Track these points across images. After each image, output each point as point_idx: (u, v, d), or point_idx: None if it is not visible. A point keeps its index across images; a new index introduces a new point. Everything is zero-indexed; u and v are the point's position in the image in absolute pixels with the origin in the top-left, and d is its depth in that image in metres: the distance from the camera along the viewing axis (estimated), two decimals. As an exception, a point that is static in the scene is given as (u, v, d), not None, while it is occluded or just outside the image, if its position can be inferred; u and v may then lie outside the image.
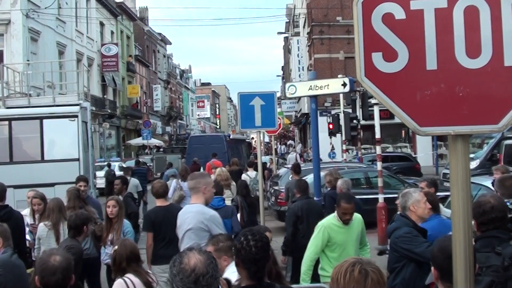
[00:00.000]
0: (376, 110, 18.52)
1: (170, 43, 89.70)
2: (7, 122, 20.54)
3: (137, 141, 57.96)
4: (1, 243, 6.25)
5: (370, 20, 3.28)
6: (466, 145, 3.21)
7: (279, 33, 68.41)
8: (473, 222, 5.15)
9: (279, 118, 18.82)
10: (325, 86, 15.05)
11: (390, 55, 3.27)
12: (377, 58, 3.28)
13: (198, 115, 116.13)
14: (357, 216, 8.15)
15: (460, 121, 3.18)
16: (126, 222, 9.97)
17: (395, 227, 6.74)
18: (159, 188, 9.88)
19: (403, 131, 47.84)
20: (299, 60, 55.40)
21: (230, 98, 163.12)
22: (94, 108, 37.65)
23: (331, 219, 8.07)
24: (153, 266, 9.19)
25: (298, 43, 56.34)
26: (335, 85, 15.21)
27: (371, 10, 3.28)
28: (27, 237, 9.34)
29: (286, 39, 79.60)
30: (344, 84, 15.00)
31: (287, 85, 15.68)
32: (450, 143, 3.23)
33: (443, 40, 3.18)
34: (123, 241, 6.38)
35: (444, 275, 3.98)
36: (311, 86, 14.96)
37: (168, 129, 79.45)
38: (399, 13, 3.24)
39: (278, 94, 57.34)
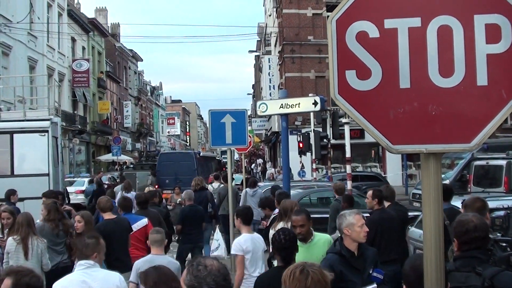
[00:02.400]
0: (346, 129, 18.68)
1: (142, 60, 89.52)
2: (-23, 136, 20.37)
3: (107, 157, 57.56)
4: None
5: (344, 38, 3.32)
6: (438, 163, 3.25)
7: (251, 51, 68.72)
8: (454, 241, 5.20)
9: (249, 136, 18.87)
10: (296, 104, 15.10)
11: (364, 73, 3.31)
12: (350, 76, 3.32)
13: (168, 132, 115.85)
14: (324, 237, 7.69)
15: (433, 140, 3.22)
16: None
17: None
18: (106, 203, 10.49)
19: (373, 151, 48.17)
20: (270, 79, 55.52)
21: (201, 116, 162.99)
22: (64, 124, 37.39)
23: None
24: None
25: (269, 62, 56.50)
26: (306, 104, 15.28)
27: (346, 28, 3.32)
28: None
29: (257, 57, 79.85)
30: (315, 103, 15.06)
31: (258, 103, 15.72)
32: (423, 162, 3.27)
33: (416, 59, 3.22)
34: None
35: (414, 293, 4.00)
36: (282, 104, 15.01)
37: (138, 145, 79.06)
38: (373, 32, 3.28)
39: (249, 113, 57.63)
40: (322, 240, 7.53)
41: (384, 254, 8.68)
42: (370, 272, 6.26)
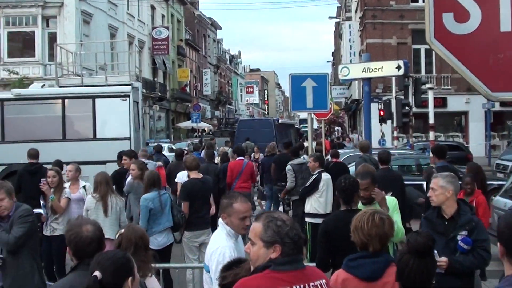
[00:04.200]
0: (430, 95, 18.13)
1: (221, 28, 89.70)
2: (60, 101, 20.88)
3: (186, 124, 58.16)
4: (6, 198, 6.65)
5: (441, -22, 3.12)
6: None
7: (330, 17, 67.98)
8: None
9: (329, 103, 18.58)
10: (379, 68, 14.82)
11: (462, 15, 3.11)
12: (447, 18, 3.13)
13: (247, 100, 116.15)
14: (388, 199, 7.52)
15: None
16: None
17: None
18: (192, 162, 10.72)
19: (455, 120, 47.06)
20: (350, 45, 54.69)
21: (279, 84, 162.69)
22: (144, 91, 37.92)
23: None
24: (186, 232, 10.21)
25: (350, 28, 55.62)
26: (389, 68, 14.99)
27: (443, -32, 3.12)
28: (41, 211, 9.39)
29: (337, 24, 78.84)
30: (399, 67, 14.76)
31: (340, 66, 15.48)
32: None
33: (520, -2, 3.00)
34: (131, 225, 5.83)
35: (510, 251, 3.81)
36: (364, 68, 14.76)
37: (217, 113, 79.59)
38: (473, -29, 3.07)
39: (329, 80, 56.89)
40: (388, 200, 7.45)
41: None
42: (458, 238, 6.06)
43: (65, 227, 9.75)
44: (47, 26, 36.90)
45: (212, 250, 5.24)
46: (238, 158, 16.09)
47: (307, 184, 12.32)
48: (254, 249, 3.78)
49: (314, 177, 12.20)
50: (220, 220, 5.35)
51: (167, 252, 9.62)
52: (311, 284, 3.69)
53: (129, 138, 20.17)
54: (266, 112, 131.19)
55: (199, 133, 55.35)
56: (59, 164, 12.63)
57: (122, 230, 5.22)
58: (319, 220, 10.90)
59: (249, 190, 15.64)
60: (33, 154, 13.53)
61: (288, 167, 14.16)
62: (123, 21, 46.07)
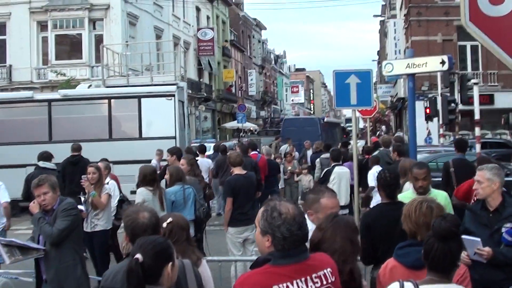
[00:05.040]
0: (475, 90, 17.90)
1: (265, 28, 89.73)
2: (106, 101, 21.17)
3: (232, 124, 58.32)
4: (50, 192, 6.76)
5: (475, -40, 3.09)
6: None
7: (375, 15, 67.45)
8: None
9: (374, 101, 18.46)
10: (423, 64, 14.60)
11: (497, -3, 3.07)
12: (482, 1, 3.09)
13: (292, 100, 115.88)
14: (441, 193, 7.55)
15: None
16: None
17: None
18: (236, 158, 10.82)
19: (502, 118, 46.26)
20: (395, 43, 54.24)
21: (325, 84, 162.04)
22: (190, 91, 38.17)
23: (409, 193, 7.69)
24: (230, 228, 10.39)
25: (394, 26, 55.17)
26: (433, 63, 14.74)
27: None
28: (82, 207, 9.52)
29: (382, 22, 78.27)
30: (443, 62, 14.51)
31: (384, 63, 15.32)
32: None
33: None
34: (176, 214, 5.90)
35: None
36: (408, 64, 14.56)
37: (263, 113, 79.65)
38: (508, -49, 3.03)
39: (374, 80, 56.34)
40: (439, 195, 7.30)
41: None
42: (503, 230, 5.97)
43: (106, 222, 9.99)
44: (94, 28, 37.44)
45: None
46: (252, 153, 16.61)
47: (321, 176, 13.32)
48: (256, 232, 3.76)
49: (325, 170, 13.22)
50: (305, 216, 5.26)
51: None
52: (314, 275, 3.61)
53: (174, 137, 20.31)
54: (311, 112, 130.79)
55: (245, 133, 55.48)
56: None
57: (170, 219, 5.23)
58: None
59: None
60: (76, 148, 14.74)
61: (317, 160, 15.76)
62: (169, 22, 46.44)
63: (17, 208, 20.11)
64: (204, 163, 18.89)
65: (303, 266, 3.59)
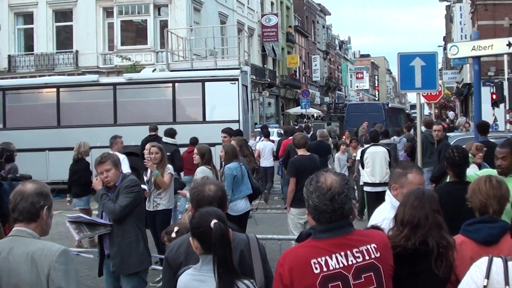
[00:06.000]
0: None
1: (330, 14, 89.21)
2: (171, 85, 21.26)
3: (295, 110, 58.21)
4: (113, 169, 6.86)
5: None
6: None
7: (441, 0, 65.98)
8: None
9: (439, 86, 18.00)
10: (489, 46, 14.27)
11: None
12: None
13: (357, 86, 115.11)
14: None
15: None
16: None
17: None
18: (300, 140, 10.96)
19: None
20: (461, 28, 52.96)
21: (389, 70, 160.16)
22: (254, 77, 38.12)
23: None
24: (292, 208, 10.48)
25: (460, 10, 53.89)
26: (499, 45, 14.42)
27: None
28: (144, 186, 9.48)
29: (448, 7, 76.63)
30: (510, 44, 14.14)
31: (449, 45, 15.01)
32: None
33: None
34: (179, 223, 6.25)
35: None
36: (474, 46, 14.21)
37: (327, 99, 79.24)
38: None
39: (439, 66, 55.10)
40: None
41: None
42: None
43: (168, 202, 10.06)
44: (159, 14, 37.72)
45: (377, 222, 5.00)
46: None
47: None
48: None
49: (361, 149, 14.26)
50: (387, 192, 5.15)
51: (244, 219, 10.03)
52: (355, 250, 3.51)
53: (238, 121, 20.26)
54: (376, 98, 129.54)
55: (308, 119, 55.25)
56: (195, 142, 15.23)
57: (176, 228, 5.50)
58: (367, 188, 13.39)
59: None
60: (152, 128, 16.31)
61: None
62: (233, 8, 46.46)
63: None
64: (268, 146, 19.37)
65: (344, 240, 3.53)
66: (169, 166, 10.18)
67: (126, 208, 6.75)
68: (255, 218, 10.72)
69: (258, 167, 12.48)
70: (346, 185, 3.61)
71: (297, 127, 27.77)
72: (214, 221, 3.70)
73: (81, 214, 7.56)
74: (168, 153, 11.54)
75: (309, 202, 3.57)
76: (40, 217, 3.76)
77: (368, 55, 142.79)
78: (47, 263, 3.57)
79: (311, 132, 24.48)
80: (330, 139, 23.23)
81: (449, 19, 73.37)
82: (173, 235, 5.46)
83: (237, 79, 20.80)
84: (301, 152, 10.84)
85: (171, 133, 15.20)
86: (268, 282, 4.23)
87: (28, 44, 39.77)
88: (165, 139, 14.61)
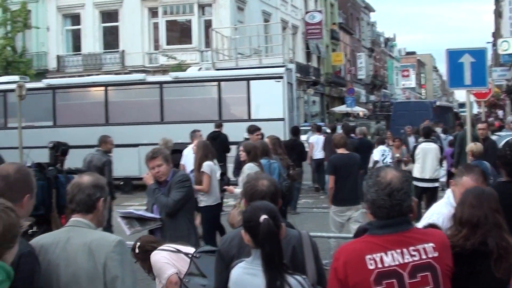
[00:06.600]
0: None
1: (374, 10, 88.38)
2: (216, 83, 21.45)
3: (340, 108, 57.84)
4: (164, 164, 6.96)
5: None
6: None
7: (490, -5, 64.86)
8: None
9: (489, 83, 17.71)
10: (541, 40, 14.04)
11: None
12: None
13: (403, 84, 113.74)
14: None
15: None
16: None
17: None
18: (340, 139, 11.18)
19: None
20: (510, 23, 52.08)
21: (436, 68, 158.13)
22: (298, 75, 38.04)
23: None
24: (333, 206, 10.77)
25: (509, 5, 52.86)
26: (553, 39, 14.16)
27: None
28: None
29: (497, 2, 75.37)
30: None
31: (500, 40, 14.88)
32: None
33: None
34: (139, 238, 6.41)
35: None
36: (525, 40, 14.00)
37: (372, 97, 78.59)
38: None
39: (489, 63, 53.97)
40: None
41: None
42: None
43: (211, 198, 10.13)
44: (203, 14, 37.95)
45: (428, 213, 5.15)
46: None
47: None
48: None
49: (414, 145, 14.98)
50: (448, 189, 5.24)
51: None
52: (411, 248, 3.46)
53: (283, 119, 20.34)
54: (423, 97, 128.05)
55: (354, 118, 54.91)
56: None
57: (138, 243, 6.03)
58: (416, 183, 13.38)
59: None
60: (217, 125, 17.47)
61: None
62: (276, 6, 46.41)
63: (129, 186, 20.88)
64: (320, 139, 19.90)
65: (400, 238, 3.48)
66: (204, 164, 9.99)
67: (179, 203, 6.92)
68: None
69: (292, 163, 12.65)
70: (406, 182, 3.58)
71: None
72: (263, 216, 3.73)
73: (131, 210, 7.74)
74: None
75: (367, 196, 3.56)
76: (96, 208, 3.87)
77: (414, 53, 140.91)
78: (104, 253, 3.66)
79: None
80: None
81: (498, 14, 72.21)
82: (137, 250, 5.94)
83: (282, 77, 20.85)
84: (340, 151, 10.99)
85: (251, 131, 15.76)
86: (320, 279, 4.23)
87: (76, 44, 40.61)
88: (247, 135, 15.07)
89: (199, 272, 4.25)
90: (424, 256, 3.46)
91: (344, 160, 10.76)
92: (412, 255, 3.45)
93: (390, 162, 17.52)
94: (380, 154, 16.18)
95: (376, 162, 15.63)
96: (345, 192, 10.55)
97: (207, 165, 9.79)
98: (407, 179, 3.57)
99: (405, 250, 3.45)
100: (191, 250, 4.53)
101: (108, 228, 10.52)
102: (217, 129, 17.07)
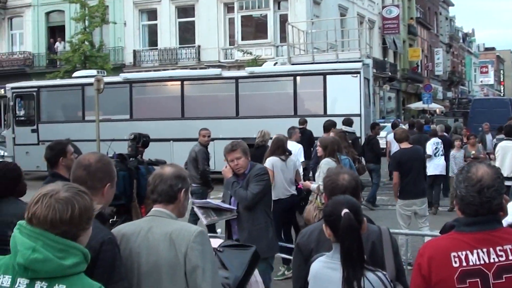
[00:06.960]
0: None
1: (453, 5, 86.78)
2: (292, 78, 21.35)
3: (417, 105, 56.91)
4: (243, 157, 7.05)
5: None
6: None
7: None
8: None
9: None
10: None
11: None
12: None
13: (481, 81, 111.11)
14: None
15: None
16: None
17: None
18: (401, 134, 11.44)
19: None
20: None
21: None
22: (375, 71, 37.56)
23: None
24: (399, 199, 10.97)
25: None
26: None
27: None
28: None
29: None
30: None
31: None
32: None
33: None
34: None
35: None
36: None
37: (449, 94, 76.96)
38: None
39: None
40: None
41: None
42: None
43: (274, 193, 9.86)
44: (279, 8, 37.88)
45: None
46: None
47: None
48: None
49: (495, 143, 15.06)
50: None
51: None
52: (498, 248, 3.29)
53: (359, 115, 20.08)
54: (502, 94, 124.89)
55: (431, 115, 53.88)
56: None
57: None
58: None
59: None
60: (301, 122, 17.26)
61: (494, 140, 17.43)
62: (353, 0, 46.03)
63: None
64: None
65: (487, 236, 3.34)
66: (268, 159, 9.94)
67: (258, 196, 6.98)
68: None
69: (359, 157, 12.81)
70: (498, 179, 3.42)
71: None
72: (344, 210, 3.70)
73: (208, 200, 7.91)
74: (349, 141, 12.95)
75: (456, 192, 3.43)
76: (177, 199, 3.90)
77: (493, 48, 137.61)
78: (185, 243, 3.68)
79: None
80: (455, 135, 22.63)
81: None
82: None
83: (359, 72, 20.64)
84: (403, 145, 11.22)
85: (349, 122, 16.40)
86: (399, 275, 4.19)
87: (152, 39, 41.27)
88: (345, 128, 15.37)
89: (222, 265, 4.23)
90: (511, 257, 3.30)
91: (408, 154, 10.99)
92: (498, 255, 3.30)
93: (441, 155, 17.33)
94: (433, 147, 16.26)
95: (429, 156, 15.69)
96: (410, 185, 10.81)
97: (270, 160, 9.83)
98: (499, 176, 3.43)
99: (491, 249, 3.31)
100: (216, 243, 4.49)
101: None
102: (301, 126, 16.87)
